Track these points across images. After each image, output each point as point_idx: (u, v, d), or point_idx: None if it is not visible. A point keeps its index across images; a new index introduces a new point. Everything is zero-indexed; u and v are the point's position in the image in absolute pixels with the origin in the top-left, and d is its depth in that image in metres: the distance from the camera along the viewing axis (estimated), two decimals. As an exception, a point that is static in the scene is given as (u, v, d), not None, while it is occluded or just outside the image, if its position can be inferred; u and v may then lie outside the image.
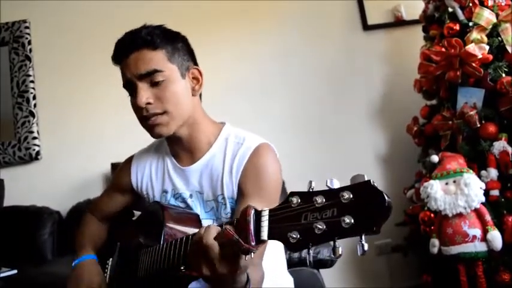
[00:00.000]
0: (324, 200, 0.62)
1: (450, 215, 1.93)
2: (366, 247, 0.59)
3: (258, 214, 0.69)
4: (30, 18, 2.73)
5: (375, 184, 0.59)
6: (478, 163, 2.06)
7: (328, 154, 2.72)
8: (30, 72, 2.67)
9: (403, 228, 2.45)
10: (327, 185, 0.63)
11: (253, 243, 0.67)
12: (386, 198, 0.58)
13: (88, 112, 2.65)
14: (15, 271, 2.00)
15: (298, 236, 0.63)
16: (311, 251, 0.64)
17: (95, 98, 2.60)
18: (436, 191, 1.98)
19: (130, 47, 1.12)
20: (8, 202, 2.45)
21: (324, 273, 2.01)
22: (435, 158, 2.12)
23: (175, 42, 1.16)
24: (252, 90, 2.79)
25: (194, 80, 1.19)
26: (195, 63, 1.22)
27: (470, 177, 1.93)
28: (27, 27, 2.72)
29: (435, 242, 1.99)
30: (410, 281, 2.58)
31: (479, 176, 1.99)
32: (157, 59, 1.11)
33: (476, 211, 1.91)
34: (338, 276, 2.60)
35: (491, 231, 1.87)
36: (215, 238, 0.73)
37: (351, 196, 0.60)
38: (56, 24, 2.73)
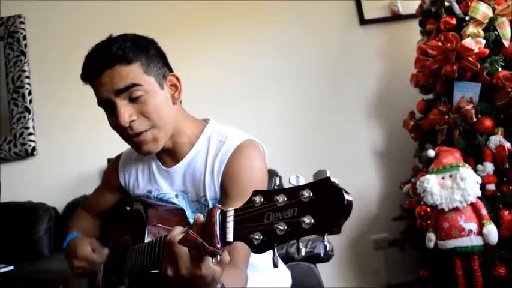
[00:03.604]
0: (286, 199, 0.60)
1: (446, 209, 1.94)
2: (328, 247, 0.57)
3: (224, 215, 0.66)
4: (25, 13, 2.72)
5: (335, 181, 0.57)
6: (474, 157, 2.06)
7: (325, 149, 2.72)
8: (26, 68, 2.65)
9: (400, 223, 2.46)
10: (290, 182, 0.61)
11: (218, 246, 0.65)
12: (345, 196, 0.55)
13: (84, 107, 2.61)
14: (11, 267, 2.00)
15: (261, 237, 0.61)
16: (276, 253, 0.61)
17: (91, 93, 2.57)
18: (433, 185, 1.98)
19: (102, 66, 1.04)
20: (3, 198, 2.45)
21: (321, 267, 2.02)
22: (431, 153, 2.12)
23: (148, 51, 1.09)
24: (249, 86, 2.78)
25: (173, 87, 1.14)
26: (170, 69, 1.17)
27: (466, 171, 1.93)
28: (22, 23, 2.70)
29: (431, 236, 1.99)
30: (407, 276, 2.59)
31: (476, 171, 1.99)
32: (133, 72, 1.04)
33: (473, 205, 1.92)
34: (335, 270, 2.60)
35: (487, 225, 1.87)
36: (180, 242, 0.70)
37: (311, 194, 0.57)
38: (51, 19, 2.72)
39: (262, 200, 0.62)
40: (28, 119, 2.61)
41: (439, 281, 2.08)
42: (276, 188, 0.63)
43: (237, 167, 1.10)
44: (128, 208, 1.29)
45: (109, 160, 2.47)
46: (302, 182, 0.61)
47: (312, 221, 0.56)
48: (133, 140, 1.09)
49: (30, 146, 2.58)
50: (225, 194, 1.10)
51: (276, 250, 0.61)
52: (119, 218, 1.32)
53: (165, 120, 1.09)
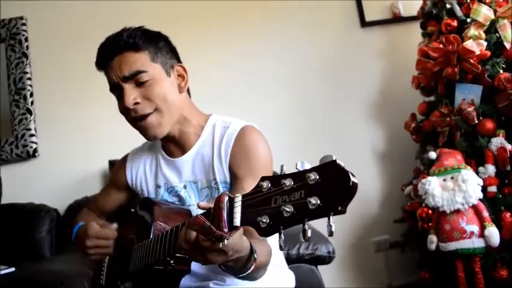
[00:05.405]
0: (292, 183, 0.62)
1: (448, 211, 1.94)
2: (333, 228, 0.58)
3: (232, 201, 0.69)
4: (27, 15, 2.71)
5: (341, 163, 0.59)
6: (475, 159, 2.06)
7: (326, 151, 2.67)
8: (27, 70, 2.65)
9: (401, 225, 2.46)
10: (296, 168, 0.63)
11: (225, 230, 0.67)
12: (351, 177, 0.57)
13: (85, 109, 2.64)
14: (13, 269, 1.99)
15: (268, 220, 0.63)
16: (282, 236, 0.63)
17: (92, 94, 2.58)
18: (434, 187, 1.98)
19: (113, 51, 1.12)
20: (5, 200, 2.44)
21: (322, 269, 2.02)
22: (433, 155, 2.13)
23: (157, 42, 1.17)
24: (249, 87, 2.78)
25: (179, 77, 1.20)
26: (179, 61, 1.23)
27: (468, 173, 1.94)
28: (23, 24, 2.70)
29: (433, 238, 1.99)
30: (408, 278, 2.59)
31: (477, 173, 2.00)
32: (140, 60, 1.12)
33: (474, 207, 1.92)
34: (336, 272, 2.60)
35: (488, 227, 1.87)
36: (188, 225, 0.73)
37: (317, 177, 0.59)
38: (52, 21, 2.72)
39: (269, 185, 0.65)
40: (30, 121, 2.61)
41: (440, 283, 2.08)
42: (283, 173, 0.64)
43: (242, 147, 1.15)
44: (132, 210, 1.30)
45: (110, 161, 2.47)
46: (307, 168, 0.62)
47: (318, 201, 0.58)
48: (139, 123, 1.14)
49: (31, 147, 2.58)
50: (234, 175, 1.14)
51: (282, 234, 0.63)
52: (123, 218, 1.32)
53: (169, 105, 1.14)
